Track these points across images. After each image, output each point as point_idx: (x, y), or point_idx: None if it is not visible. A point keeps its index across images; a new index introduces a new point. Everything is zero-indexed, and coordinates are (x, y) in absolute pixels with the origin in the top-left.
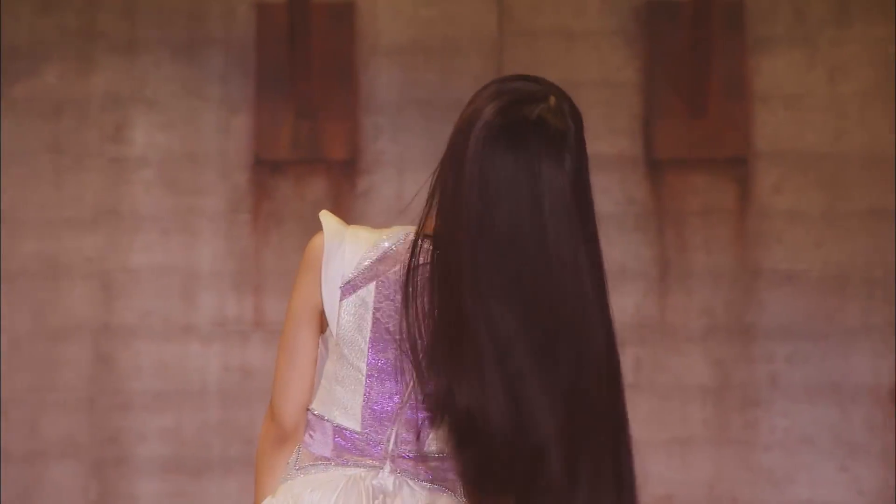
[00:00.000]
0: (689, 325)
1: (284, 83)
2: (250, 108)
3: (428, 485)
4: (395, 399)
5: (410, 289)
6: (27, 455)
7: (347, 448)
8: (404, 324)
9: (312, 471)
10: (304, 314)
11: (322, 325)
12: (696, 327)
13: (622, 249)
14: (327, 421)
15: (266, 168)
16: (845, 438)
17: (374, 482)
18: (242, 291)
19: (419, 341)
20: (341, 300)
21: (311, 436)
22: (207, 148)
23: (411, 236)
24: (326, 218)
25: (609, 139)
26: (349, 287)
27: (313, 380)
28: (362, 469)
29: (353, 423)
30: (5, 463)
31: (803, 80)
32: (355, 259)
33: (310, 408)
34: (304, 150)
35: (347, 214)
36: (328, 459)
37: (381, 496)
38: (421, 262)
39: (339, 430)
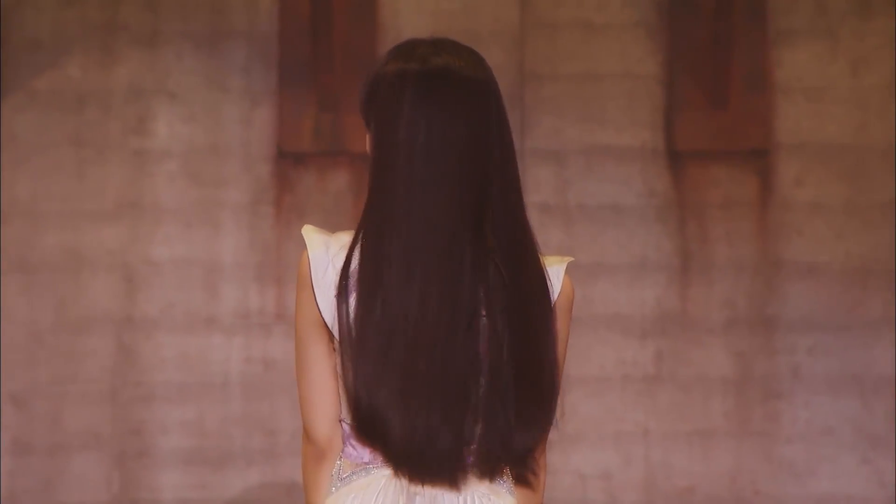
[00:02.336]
0: (711, 317)
1: (307, 75)
2: (273, 100)
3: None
4: None
5: (343, 283)
6: (49, 447)
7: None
8: (336, 321)
9: (354, 478)
10: (310, 331)
11: (332, 338)
12: (718, 319)
13: (643, 241)
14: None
15: (288, 160)
16: (867, 431)
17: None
18: (265, 284)
19: (350, 338)
20: (338, 308)
21: (351, 445)
22: (230, 140)
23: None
24: (308, 232)
25: (630, 131)
26: (343, 293)
27: (336, 392)
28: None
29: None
30: (27, 455)
31: (825, 72)
32: (337, 264)
33: (343, 418)
34: (326, 142)
35: None
36: (368, 464)
37: (419, 487)
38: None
39: None
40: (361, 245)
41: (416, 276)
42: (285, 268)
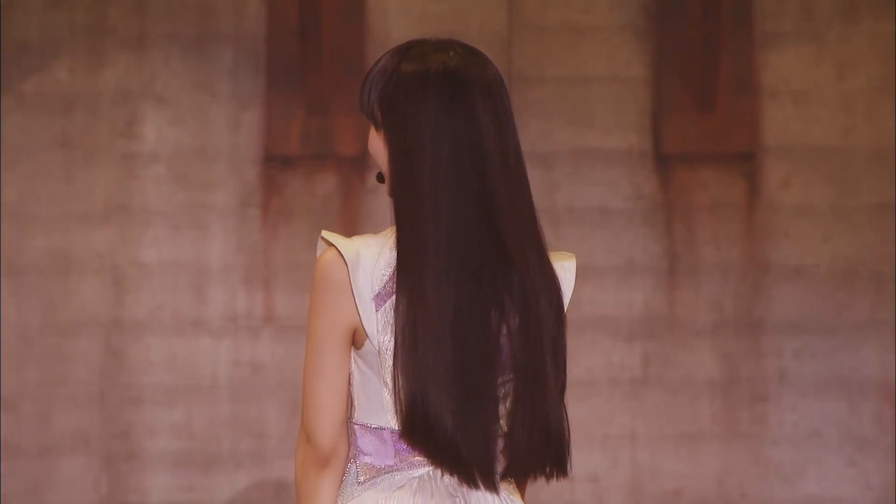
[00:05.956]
0: (698, 319)
1: (295, 79)
2: (260, 103)
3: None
4: None
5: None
6: (38, 450)
7: (411, 451)
8: (376, 326)
9: (380, 482)
10: (332, 337)
11: (357, 341)
12: (705, 322)
13: (631, 244)
14: (384, 429)
15: (276, 163)
16: (853, 433)
17: (447, 479)
18: (252, 287)
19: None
20: (376, 312)
21: (366, 449)
22: (218, 143)
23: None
24: (334, 237)
25: (618, 134)
26: (380, 298)
27: (347, 398)
28: (430, 468)
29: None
30: (16, 457)
31: (811, 75)
32: (378, 269)
33: (360, 422)
34: (314, 145)
35: (357, 210)
36: (392, 466)
37: (459, 495)
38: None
39: (398, 435)
40: (398, 253)
41: (452, 283)
42: (273, 271)
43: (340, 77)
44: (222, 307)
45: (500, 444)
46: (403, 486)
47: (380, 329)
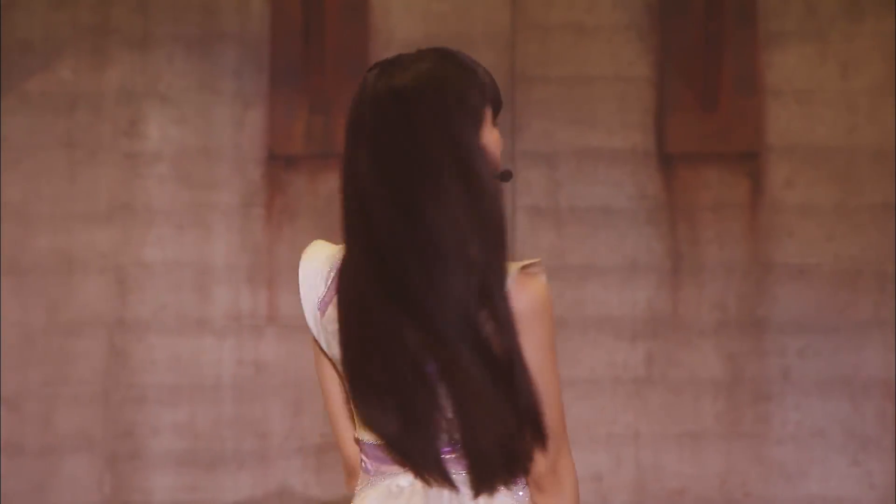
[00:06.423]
0: (702, 318)
1: (298, 78)
2: (264, 102)
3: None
4: None
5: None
6: (41, 449)
7: (383, 459)
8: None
9: (360, 490)
10: (314, 345)
11: None
12: (709, 321)
13: (634, 243)
14: (363, 441)
15: (280, 163)
16: (857, 432)
17: (397, 482)
18: (256, 286)
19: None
20: (321, 319)
21: (363, 459)
22: (221, 142)
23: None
24: (310, 248)
25: (621, 133)
26: (323, 304)
27: (351, 411)
28: (400, 477)
29: (374, 437)
30: (19, 457)
31: (815, 74)
32: (322, 275)
33: (355, 435)
34: (317, 144)
35: None
36: (371, 473)
37: (399, 493)
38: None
39: (370, 447)
40: (342, 263)
41: (361, 296)
42: (276, 270)
43: (343, 76)
44: (226, 306)
45: (454, 449)
46: (369, 497)
47: (328, 337)
